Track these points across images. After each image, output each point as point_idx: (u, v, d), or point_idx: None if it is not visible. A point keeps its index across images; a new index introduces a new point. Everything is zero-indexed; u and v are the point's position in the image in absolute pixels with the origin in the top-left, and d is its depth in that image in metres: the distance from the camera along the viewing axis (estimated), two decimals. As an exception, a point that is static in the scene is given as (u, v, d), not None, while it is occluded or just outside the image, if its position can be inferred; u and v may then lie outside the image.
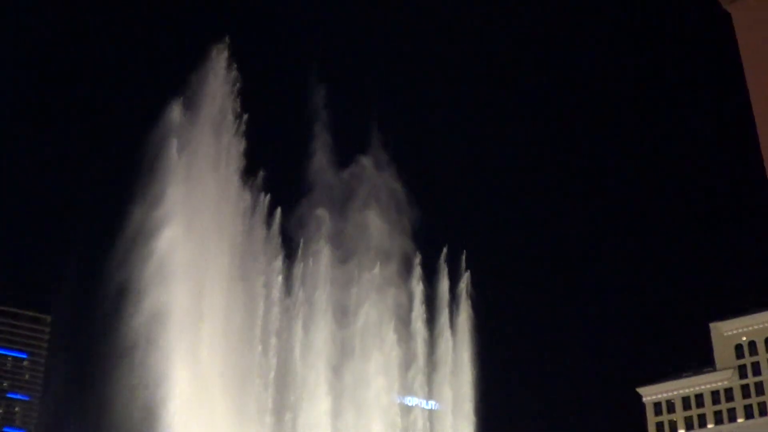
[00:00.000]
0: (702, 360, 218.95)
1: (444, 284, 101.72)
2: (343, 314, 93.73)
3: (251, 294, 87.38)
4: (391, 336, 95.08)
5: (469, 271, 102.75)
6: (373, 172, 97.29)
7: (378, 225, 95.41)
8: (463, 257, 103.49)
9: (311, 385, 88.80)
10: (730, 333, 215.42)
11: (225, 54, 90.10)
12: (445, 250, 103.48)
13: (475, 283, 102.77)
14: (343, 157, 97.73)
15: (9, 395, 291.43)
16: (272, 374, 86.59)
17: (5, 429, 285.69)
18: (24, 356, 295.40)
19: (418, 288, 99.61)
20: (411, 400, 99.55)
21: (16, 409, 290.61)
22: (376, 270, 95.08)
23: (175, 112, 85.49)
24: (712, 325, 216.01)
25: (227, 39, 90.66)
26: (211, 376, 78.65)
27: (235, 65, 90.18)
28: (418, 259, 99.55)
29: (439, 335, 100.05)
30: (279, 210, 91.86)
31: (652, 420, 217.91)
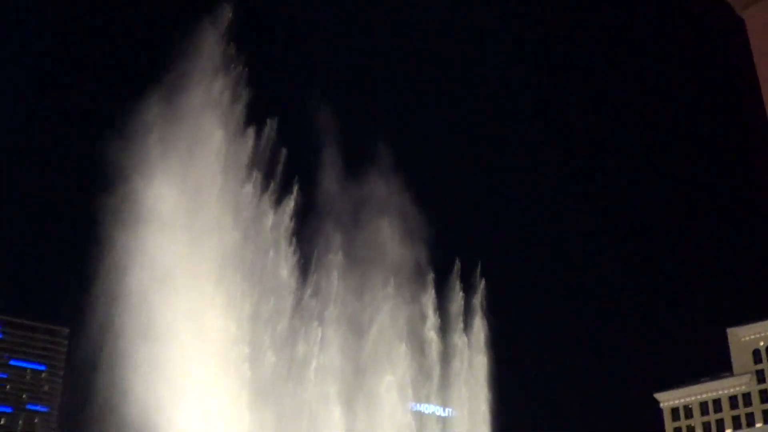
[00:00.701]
0: (720, 365, 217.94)
1: (458, 291, 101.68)
2: (356, 322, 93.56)
3: (264, 307, 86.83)
4: (405, 343, 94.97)
5: (483, 279, 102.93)
6: (384, 186, 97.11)
7: (390, 238, 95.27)
8: (479, 265, 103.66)
9: (324, 393, 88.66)
10: (748, 338, 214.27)
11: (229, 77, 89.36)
12: (458, 260, 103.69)
13: (489, 290, 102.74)
14: (353, 172, 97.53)
15: (28, 407, 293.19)
16: (284, 381, 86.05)
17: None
18: (42, 368, 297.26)
19: (431, 295, 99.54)
20: (427, 408, 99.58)
21: (36, 420, 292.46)
22: (390, 281, 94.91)
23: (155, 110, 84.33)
24: (729, 331, 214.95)
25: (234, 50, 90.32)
26: (220, 392, 78.34)
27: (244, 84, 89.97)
28: (431, 272, 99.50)
29: (454, 341, 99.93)
30: (292, 225, 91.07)
31: (669, 425, 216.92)
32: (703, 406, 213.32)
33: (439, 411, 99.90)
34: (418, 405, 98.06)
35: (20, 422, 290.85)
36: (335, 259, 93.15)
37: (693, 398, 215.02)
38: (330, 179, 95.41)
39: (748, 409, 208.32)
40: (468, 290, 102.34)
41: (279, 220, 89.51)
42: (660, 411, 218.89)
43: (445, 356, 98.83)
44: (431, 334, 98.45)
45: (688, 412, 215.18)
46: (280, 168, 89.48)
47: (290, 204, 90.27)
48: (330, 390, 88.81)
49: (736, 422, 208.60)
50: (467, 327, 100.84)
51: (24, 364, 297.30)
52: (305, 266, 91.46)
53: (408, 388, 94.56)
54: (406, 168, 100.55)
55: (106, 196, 79.41)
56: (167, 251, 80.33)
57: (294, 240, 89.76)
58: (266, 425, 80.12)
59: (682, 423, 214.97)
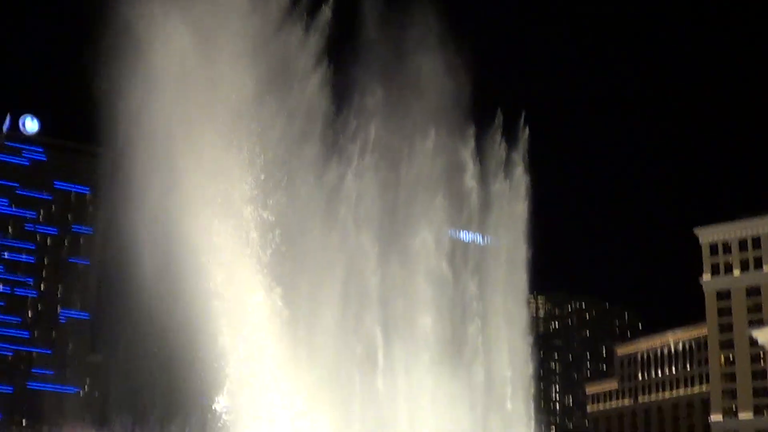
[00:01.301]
0: (762, 203, 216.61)
1: (499, 141, 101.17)
2: (394, 159, 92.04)
3: (293, 127, 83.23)
4: (444, 188, 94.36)
5: (527, 128, 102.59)
6: (425, 28, 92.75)
7: (432, 83, 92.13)
8: (522, 115, 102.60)
9: (362, 219, 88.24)
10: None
11: None
12: (500, 110, 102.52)
13: (532, 140, 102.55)
14: (394, 12, 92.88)
15: (74, 228, 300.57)
16: (317, 206, 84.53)
17: (70, 259, 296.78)
18: (86, 191, 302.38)
19: (472, 145, 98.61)
20: (466, 236, 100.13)
21: (81, 241, 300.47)
22: (430, 129, 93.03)
23: None
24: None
25: None
26: (250, 224, 77.05)
27: None
28: (472, 121, 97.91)
29: (495, 188, 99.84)
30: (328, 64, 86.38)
31: (707, 260, 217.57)
32: (742, 243, 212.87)
33: (478, 239, 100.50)
34: (456, 232, 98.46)
35: (65, 243, 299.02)
36: (374, 98, 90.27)
37: (732, 234, 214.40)
38: (368, 8, 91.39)
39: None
40: (510, 140, 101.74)
41: (309, 36, 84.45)
42: (699, 246, 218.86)
43: (486, 201, 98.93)
44: (472, 183, 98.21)
45: (727, 248, 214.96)
46: None
47: (325, 15, 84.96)
48: (366, 231, 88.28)
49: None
50: (508, 176, 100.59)
51: (68, 187, 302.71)
52: (341, 95, 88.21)
53: (446, 217, 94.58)
54: (449, 12, 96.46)
55: (122, 37, 75.36)
56: (187, 79, 77.12)
57: (326, 58, 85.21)
58: (295, 260, 79.15)
59: (720, 259, 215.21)
